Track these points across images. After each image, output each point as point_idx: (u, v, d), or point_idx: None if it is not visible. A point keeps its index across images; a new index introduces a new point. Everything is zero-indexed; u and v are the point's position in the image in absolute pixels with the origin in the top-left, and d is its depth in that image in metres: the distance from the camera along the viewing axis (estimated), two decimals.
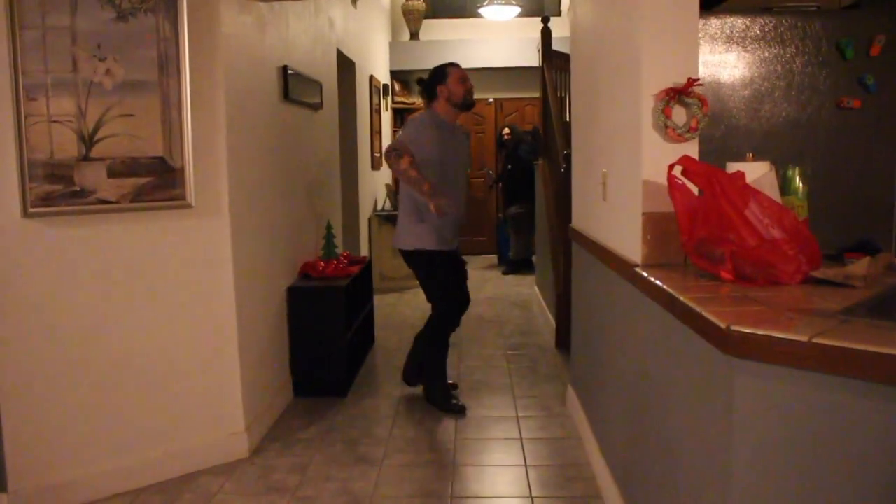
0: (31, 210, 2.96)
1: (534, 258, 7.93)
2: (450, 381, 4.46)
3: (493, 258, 10.07)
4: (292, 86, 4.44)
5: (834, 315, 1.62)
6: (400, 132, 4.12)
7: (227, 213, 3.45)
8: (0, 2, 2.83)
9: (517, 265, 9.00)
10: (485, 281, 8.48)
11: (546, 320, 6.14)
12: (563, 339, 5.26)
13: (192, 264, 3.39)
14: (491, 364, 5.12)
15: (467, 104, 4.17)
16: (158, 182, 3.21)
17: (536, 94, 7.14)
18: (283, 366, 4.34)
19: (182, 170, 3.25)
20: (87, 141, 3.03)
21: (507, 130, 8.99)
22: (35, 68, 2.91)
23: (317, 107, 5.18)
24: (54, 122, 2.96)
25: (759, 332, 1.52)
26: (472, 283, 8.24)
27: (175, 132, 3.21)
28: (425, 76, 4.24)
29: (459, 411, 4.19)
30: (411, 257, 4.21)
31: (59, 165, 2.99)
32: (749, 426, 1.59)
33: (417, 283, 4.37)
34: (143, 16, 3.10)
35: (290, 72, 4.39)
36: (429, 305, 4.33)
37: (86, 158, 3.04)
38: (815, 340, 1.43)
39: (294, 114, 4.62)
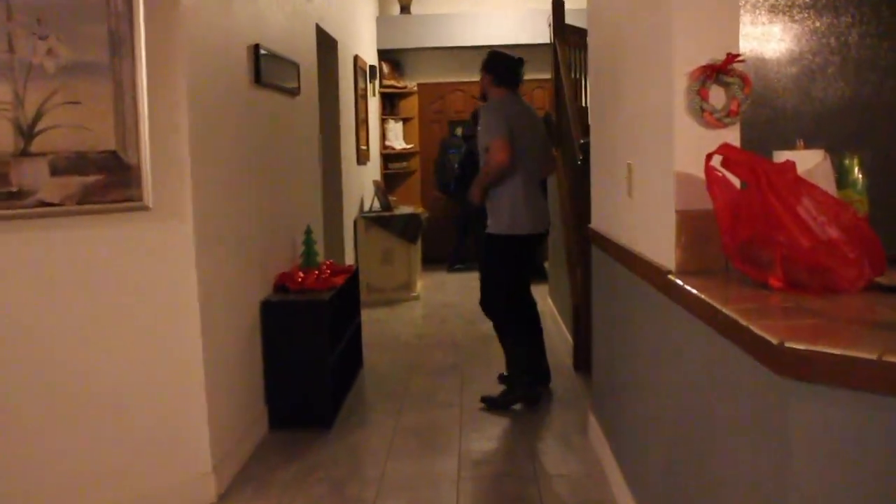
0: None
1: (546, 264, 7.92)
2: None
3: None
4: (265, 68, 4.43)
5: None
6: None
7: (191, 217, 3.43)
8: None
9: None
10: None
11: (562, 336, 6.13)
12: (583, 358, 5.23)
13: (149, 276, 3.37)
14: (498, 388, 5.09)
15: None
16: (110, 181, 3.18)
17: (547, 76, 7.12)
18: (257, 394, 4.31)
19: (137, 166, 3.23)
20: (26, 133, 3.01)
21: None
22: None
23: (294, 92, 5.16)
24: None
25: (818, 348, 1.51)
26: (474, 296, 8.24)
27: (129, 123, 3.19)
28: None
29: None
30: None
31: None
32: (808, 459, 1.57)
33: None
34: None
35: (262, 51, 4.37)
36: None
37: (24, 153, 3.01)
38: (885, 358, 1.42)
39: (267, 100, 4.60)
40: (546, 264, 7.90)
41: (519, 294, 4.92)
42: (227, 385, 3.82)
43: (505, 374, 5.09)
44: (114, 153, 3.18)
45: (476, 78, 5.06)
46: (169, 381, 3.45)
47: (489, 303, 4.89)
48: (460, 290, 8.57)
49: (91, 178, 3.14)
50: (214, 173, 3.72)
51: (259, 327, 4.35)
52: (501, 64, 4.84)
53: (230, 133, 3.96)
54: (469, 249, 9.69)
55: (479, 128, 4.82)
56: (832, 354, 1.48)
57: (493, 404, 4.73)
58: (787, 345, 1.53)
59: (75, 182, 3.12)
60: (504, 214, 4.70)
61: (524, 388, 4.75)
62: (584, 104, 6.22)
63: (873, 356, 1.42)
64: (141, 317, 3.36)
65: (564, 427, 4.39)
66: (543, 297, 7.67)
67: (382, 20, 10.12)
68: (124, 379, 3.33)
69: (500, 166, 4.58)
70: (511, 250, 4.77)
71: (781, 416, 1.61)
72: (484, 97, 4.93)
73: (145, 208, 3.28)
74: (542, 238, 4.96)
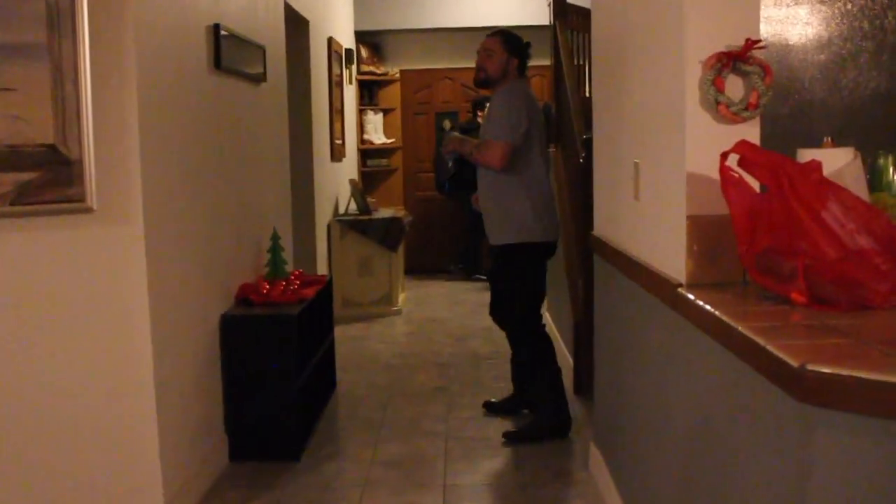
0: None
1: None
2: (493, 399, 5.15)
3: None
4: (226, 51, 4.42)
5: None
6: None
7: (141, 220, 3.42)
8: None
9: None
10: (480, 306, 8.44)
11: (561, 357, 6.12)
12: (584, 382, 5.24)
13: (93, 287, 3.36)
14: (489, 416, 5.09)
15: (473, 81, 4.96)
16: (48, 178, 3.17)
17: (546, 62, 7.14)
18: (216, 421, 4.30)
19: (79, 162, 3.22)
20: None
21: None
22: None
23: (259, 78, 5.16)
24: None
25: (844, 372, 1.51)
26: (463, 310, 8.29)
27: (70, 112, 3.18)
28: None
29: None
30: None
31: None
32: (831, 494, 1.58)
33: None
34: None
35: (223, 32, 4.37)
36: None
37: None
38: None
39: (229, 87, 4.60)
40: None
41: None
42: (181, 411, 3.80)
43: (493, 400, 5.10)
44: (52, 147, 3.17)
45: (468, 63, 4.99)
46: (115, 406, 3.43)
47: (525, 325, 4.79)
48: (448, 304, 8.57)
49: (26, 176, 3.13)
50: (168, 170, 3.71)
51: (218, 345, 4.34)
52: (524, 47, 4.75)
53: (186, 125, 3.95)
54: (469, 259, 9.74)
55: (486, 113, 4.70)
56: (860, 379, 1.49)
57: (516, 439, 4.62)
58: (810, 368, 1.54)
59: (8, 180, 3.10)
60: (530, 217, 4.60)
61: (551, 416, 4.66)
62: (587, 94, 6.24)
63: None
64: (83, 334, 3.35)
65: (563, 458, 4.39)
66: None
67: None
68: (63, 405, 3.32)
69: (488, 167, 4.57)
70: (540, 258, 4.73)
71: (803, 446, 1.62)
72: (485, 82, 4.78)
73: (88, 210, 3.27)
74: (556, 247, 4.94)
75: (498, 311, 4.90)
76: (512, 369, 4.98)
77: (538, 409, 4.72)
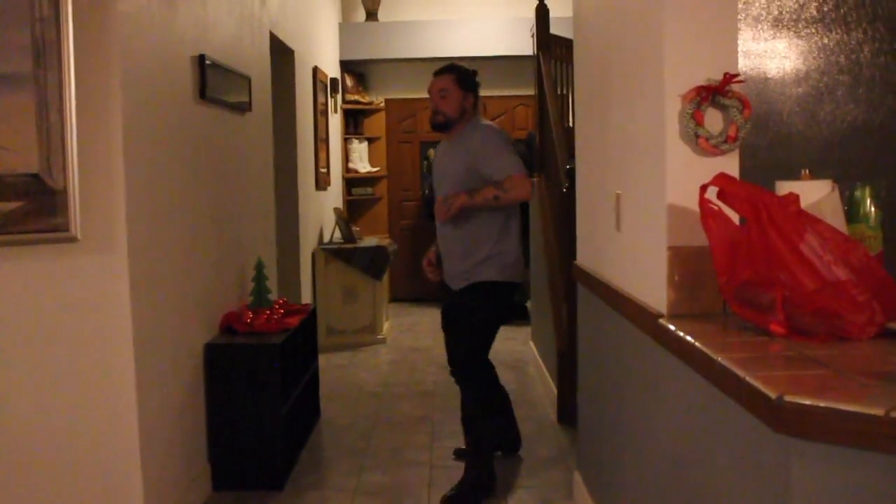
0: None
1: (528, 304, 7.94)
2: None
3: None
4: (211, 81, 4.43)
5: None
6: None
7: (125, 249, 3.42)
8: None
9: None
10: None
11: (545, 386, 6.13)
12: (568, 410, 5.24)
13: (76, 316, 3.35)
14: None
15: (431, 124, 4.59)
16: (32, 208, 3.17)
17: (530, 92, 7.19)
18: (199, 449, 4.28)
19: (64, 192, 3.22)
20: None
21: None
22: None
23: (244, 108, 5.17)
24: None
25: (822, 403, 1.52)
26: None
27: (55, 142, 3.18)
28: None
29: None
30: None
31: None
32: None
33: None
34: None
35: (208, 62, 4.38)
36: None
37: None
38: (893, 415, 1.43)
39: (214, 117, 4.61)
40: (528, 304, 7.91)
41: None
42: (164, 439, 3.78)
43: (463, 447, 4.69)
44: (36, 176, 3.17)
45: None
46: (98, 436, 3.42)
47: (477, 365, 4.54)
48: (432, 332, 8.55)
49: (10, 205, 3.13)
50: (152, 200, 3.71)
51: (202, 374, 4.32)
52: (476, 80, 4.51)
53: (171, 155, 3.96)
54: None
55: (471, 155, 4.35)
56: (837, 410, 1.49)
57: (461, 500, 4.24)
58: (787, 399, 1.55)
59: None
60: (514, 256, 4.44)
61: (489, 473, 4.37)
62: (570, 124, 6.28)
63: (880, 412, 1.44)
64: (65, 363, 3.33)
65: (547, 487, 4.38)
66: (525, 341, 7.70)
67: (346, 27, 10.16)
68: (44, 435, 3.30)
69: (517, 202, 4.32)
70: (509, 300, 4.59)
71: (782, 477, 1.62)
72: (444, 125, 4.45)
73: (72, 239, 3.26)
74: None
75: (461, 363, 4.59)
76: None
77: (475, 459, 4.38)
